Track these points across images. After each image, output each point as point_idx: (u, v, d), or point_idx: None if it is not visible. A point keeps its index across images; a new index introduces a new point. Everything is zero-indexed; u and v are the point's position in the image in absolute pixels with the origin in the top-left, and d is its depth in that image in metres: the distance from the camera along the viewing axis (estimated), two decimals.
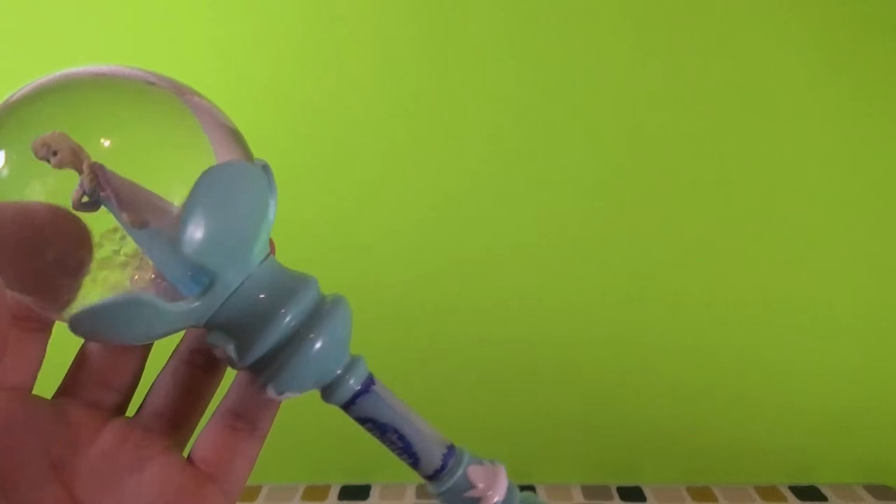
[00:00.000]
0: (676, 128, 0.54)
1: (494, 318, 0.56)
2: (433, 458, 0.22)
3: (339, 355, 0.20)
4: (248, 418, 0.21)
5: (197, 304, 0.18)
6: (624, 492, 0.60)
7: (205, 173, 0.17)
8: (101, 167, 0.17)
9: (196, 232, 0.17)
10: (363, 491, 0.61)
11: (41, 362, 0.20)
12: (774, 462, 0.58)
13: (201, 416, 0.23)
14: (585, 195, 0.56)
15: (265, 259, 0.20)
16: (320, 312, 0.19)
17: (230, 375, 0.23)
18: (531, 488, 0.61)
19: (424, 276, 0.57)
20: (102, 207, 0.17)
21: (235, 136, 0.20)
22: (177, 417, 0.22)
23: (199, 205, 0.17)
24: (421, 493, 0.61)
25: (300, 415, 0.60)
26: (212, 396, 0.23)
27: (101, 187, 0.17)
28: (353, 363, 0.21)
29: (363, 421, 0.21)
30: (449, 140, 0.55)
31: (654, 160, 0.55)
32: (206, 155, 0.18)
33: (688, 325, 0.57)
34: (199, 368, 0.23)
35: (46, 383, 0.21)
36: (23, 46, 0.54)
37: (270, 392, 0.19)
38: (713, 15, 0.52)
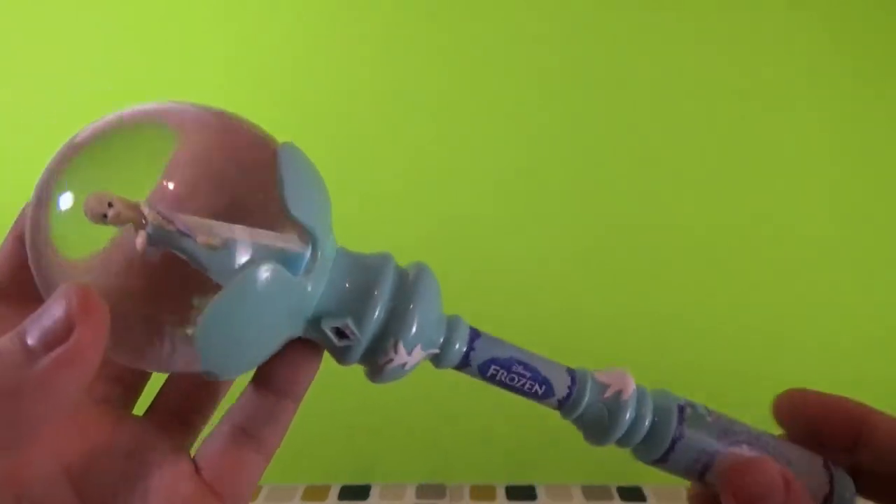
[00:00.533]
0: (677, 129, 0.54)
1: (494, 320, 0.56)
2: (562, 377, 0.22)
3: (439, 317, 0.21)
4: (255, 435, 0.21)
5: (308, 277, 0.18)
6: (624, 492, 0.60)
7: (281, 150, 0.18)
8: (159, 207, 0.17)
9: (296, 195, 0.18)
10: (363, 491, 0.61)
11: None
12: None
13: (211, 415, 0.23)
14: (591, 199, 0.56)
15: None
16: (408, 283, 0.20)
17: (240, 380, 0.23)
18: (531, 488, 0.61)
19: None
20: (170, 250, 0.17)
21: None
22: (188, 416, 0.22)
23: (290, 173, 0.18)
24: (421, 493, 0.61)
25: (300, 415, 0.60)
26: (223, 395, 0.23)
27: (168, 221, 0.16)
28: (452, 321, 0.21)
29: (487, 367, 0.21)
30: (459, 146, 0.55)
31: (656, 162, 0.55)
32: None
33: (688, 327, 0.57)
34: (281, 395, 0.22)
35: None
36: (24, 45, 0.54)
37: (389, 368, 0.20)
38: (713, 15, 0.52)
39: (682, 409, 0.22)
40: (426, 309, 0.20)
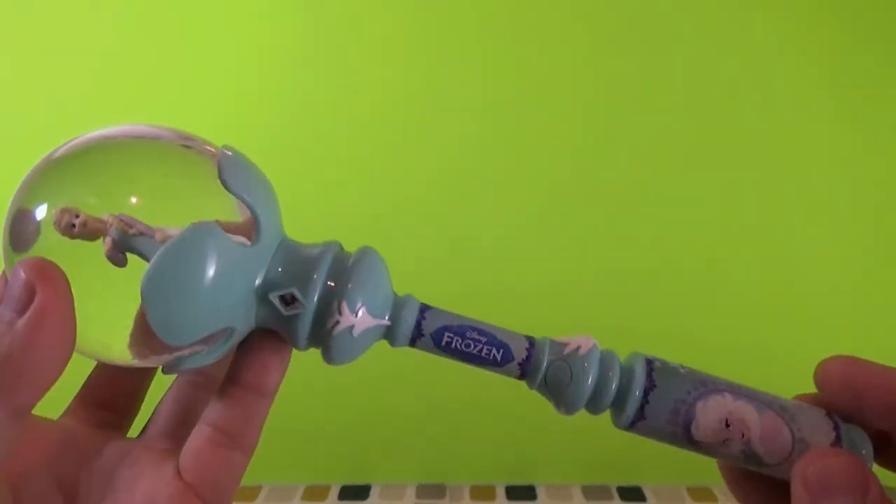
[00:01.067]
0: (674, 129, 0.54)
1: (492, 313, 0.56)
2: (519, 342, 0.22)
3: (387, 292, 0.21)
4: (232, 434, 0.21)
5: (253, 247, 0.20)
6: (624, 492, 0.60)
7: (221, 150, 0.20)
8: (123, 215, 0.19)
9: (233, 176, 0.19)
10: (363, 491, 0.61)
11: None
12: None
13: (138, 405, 0.24)
14: (586, 195, 0.56)
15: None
16: (350, 257, 0.21)
17: None
18: (531, 488, 0.61)
19: (417, 271, 0.57)
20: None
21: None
22: (177, 434, 0.23)
23: (227, 161, 0.20)
24: (421, 493, 0.61)
25: (300, 415, 0.60)
26: (147, 385, 0.25)
27: (129, 225, 0.18)
28: (402, 297, 0.22)
29: (440, 335, 0.21)
30: (441, 136, 0.55)
31: (653, 161, 0.55)
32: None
33: (688, 324, 0.57)
34: (200, 388, 0.23)
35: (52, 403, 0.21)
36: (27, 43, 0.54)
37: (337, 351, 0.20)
38: (711, 18, 0.52)
39: (650, 362, 0.22)
40: (369, 276, 0.20)
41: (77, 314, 0.18)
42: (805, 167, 0.55)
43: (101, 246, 0.19)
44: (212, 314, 0.19)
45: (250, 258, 0.20)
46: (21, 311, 0.17)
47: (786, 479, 0.20)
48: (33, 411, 0.18)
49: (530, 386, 0.22)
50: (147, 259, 0.18)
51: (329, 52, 0.54)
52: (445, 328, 0.21)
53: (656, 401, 0.21)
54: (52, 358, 0.17)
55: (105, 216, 0.18)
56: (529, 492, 0.61)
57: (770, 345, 0.57)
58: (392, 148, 0.55)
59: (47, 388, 0.17)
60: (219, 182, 0.19)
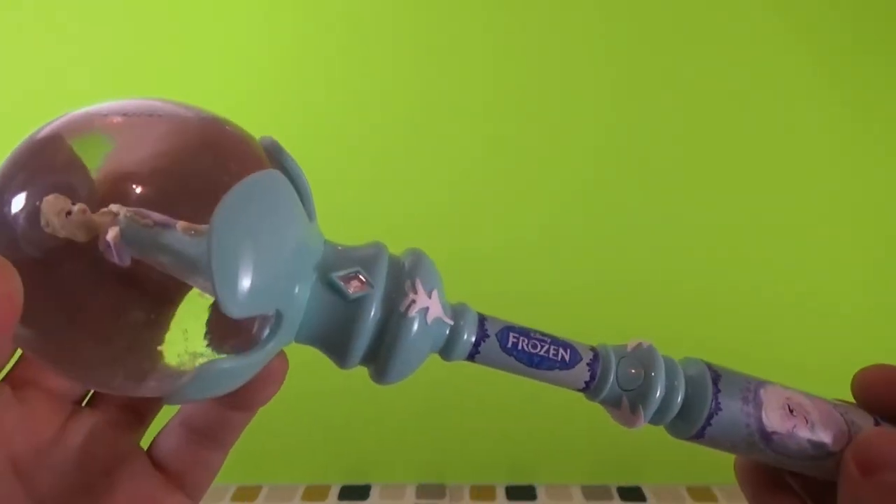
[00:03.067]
0: (674, 131, 0.54)
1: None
2: (580, 345, 0.20)
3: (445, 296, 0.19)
4: (211, 437, 0.20)
5: (316, 226, 0.18)
6: (624, 492, 0.60)
7: (269, 138, 0.18)
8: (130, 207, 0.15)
9: (283, 154, 0.17)
10: (363, 491, 0.61)
11: None
12: None
13: (160, 405, 0.22)
14: (587, 198, 0.56)
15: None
16: (404, 259, 0.19)
17: None
18: (531, 488, 0.61)
19: None
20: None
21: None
22: (139, 408, 0.21)
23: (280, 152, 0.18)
24: (421, 493, 0.61)
25: (300, 415, 0.60)
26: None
27: (143, 216, 0.15)
28: (457, 305, 0.20)
29: (506, 335, 0.19)
30: (447, 141, 0.55)
31: (654, 165, 0.55)
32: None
33: (687, 326, 0.57)
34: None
35: None
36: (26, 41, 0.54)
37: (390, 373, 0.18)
38: (711, 22, 0.52)
39: (700, 360, 0.21)
40: (433, 268, 0.18)
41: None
42: (812, 171, 0.55)
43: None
44: (279, 278, 0.16)
45: (315, 233, 0.17)
46: None
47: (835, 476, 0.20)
48: None
49: (597, 393, 0.20)
50: (169, 253, 0.15)
51: (333, 55, 0.54)
52: (509, 328, 0.19)
53: (727, 391, 0.20)
54: None
55: (112, 206, 0.15)
56: (529, 492, 0.61)
57: (776, 350, 0.57)
58: (396, 153, 0.55)
59: None
60: (244, 168, 0.17)
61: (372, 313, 0.17)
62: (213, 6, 0.53)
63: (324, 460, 0.63)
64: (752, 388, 0.20)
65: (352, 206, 0.54)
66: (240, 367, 0.16)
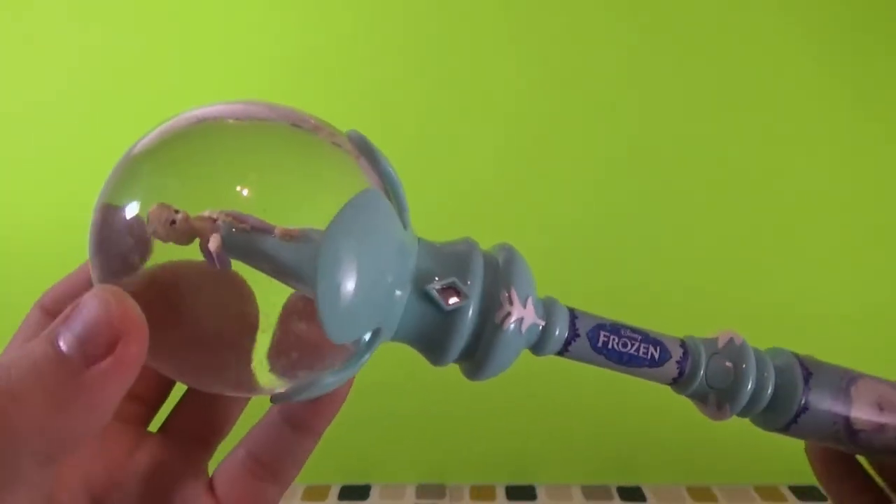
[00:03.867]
0: (677, 132, 0.54)
1: None
2: (669, 339, 0.20)
3: (537, 294, 0.19)
4: (272, 468, 0.20)
5: (409, 234, 0.18)
6: (624, 492, 0.60)
7: (361, 137, 0.18)
8: (231, 210, 0.16)
9: (379, 156, 0.17)
10: (363, 491, 0.61)
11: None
12: (774, 462, 0.58)
13: (226, 435, 0.22)
14: (591, 200, 0.56)
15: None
16: (496, 253, 0.19)
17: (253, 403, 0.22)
18: (531, 488, 0.61)
19: None
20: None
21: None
22: (204, 436, 0.21)
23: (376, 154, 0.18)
24: (421, 493, 0.61)
25: None
26: (239, 414, 0.22)
27: (240, 220, 0.15)
28: (546, 299, 0.20)
29: (596, 334, 0.19)
30: (457, 143, 0.55)
31: (657, 163, 0.55)
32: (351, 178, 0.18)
33: (688, 327, 0.57)
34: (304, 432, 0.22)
35: None
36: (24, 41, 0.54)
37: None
38: (715, 21, 0.52)
39: (794, 353, 0.21)
40: (526, 270, 0.18)
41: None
42: (815, 171, 0.55)
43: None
44: (376, 301, 0.16)
45: (409, 243, 0.17)
46: (90, 358, 0.14)
47: None
48: None
49: (686, 388, 0.20)
50: (267, 260, 0.15)
51: (331, 56, 0.54)
52: (600, 326, 0.19)
53: (816, 389, 0.20)
54: (103, 416, 0.15)
55: (210, 212, 0.15)
56: (529, 492, 0.61)
57: (769, 344, 0.57)
58: (406, 157, 0.55)
59: (73, 450, 0.15)
60: (343, 172, 0.17)
61: (467, 325, 0.18)
62: (222, 7, 0.53)
63: (324, 460, 0.62)
64: (843, 385, 0.20)
65: None
66: (337, 381, 0.17)
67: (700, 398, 0.20)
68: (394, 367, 0.58)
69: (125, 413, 0.20)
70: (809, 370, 0.20)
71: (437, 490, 0.61)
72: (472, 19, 0.53)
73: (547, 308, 0.19)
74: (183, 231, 0.15)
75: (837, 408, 0.20)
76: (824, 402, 0.20)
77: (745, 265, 0.56)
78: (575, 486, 0.61)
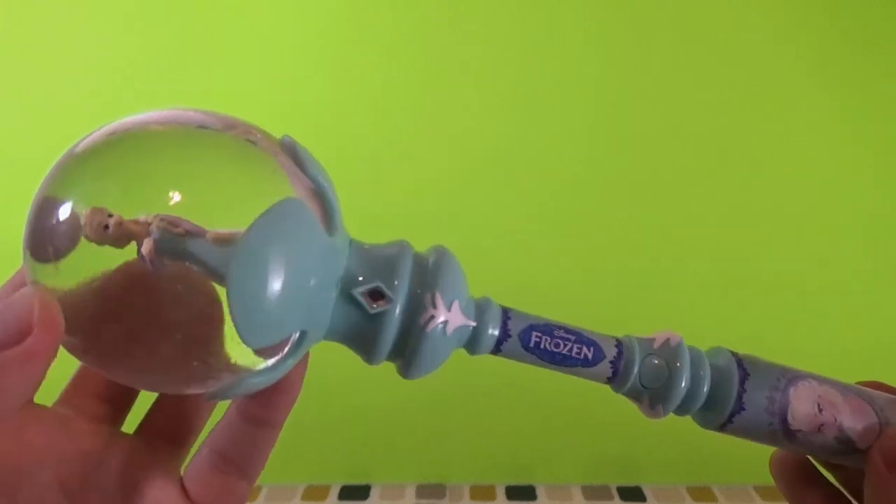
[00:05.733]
0: (675, 127, 0.54)
1: None
2: (606, 340, 0.20)
3: (468, 292, 0.19)
4: (235, 462, 0.21)
5: (331, 237, 0.18)
6: (624, 492, 0.60)
7: (292, 142, 0.18)
8: (165, 214, 0.16)
9: (310, 162, 0.18)
10: (363, 491, 0.61)
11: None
12: None
13: (198, 435, 0.23)
14: (587, 194, 0.56)
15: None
16: (428, 255, 0.19)
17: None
18: (531, 488, 0.61)
19: None
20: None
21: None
22: (176, 437, 0.22)
23: (301, 152, 0.18)
24: (421, 493, 0.61)
25: (300, 415, 0.60)
26: (209, 416, 0.23)
27: (174, 225, 0.16)
28: (480, 300, 0.20)
29: (528, 335, 0.20)
30: (448, 136, 0.55)
31: (655, 159, 0.55)
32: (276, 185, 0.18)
33: (687, 324, 0.57)
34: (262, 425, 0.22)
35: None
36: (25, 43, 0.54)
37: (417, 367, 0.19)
38: (711, 19, 0.52)
39: (733, 353, 0.21)
40: (456, 272, 0.19)
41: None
42: (809, 167, 0.55)
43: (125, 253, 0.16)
44: (297, 306, 0.17)
45: (333, 250, 0.18)
46: (2, 345, 0.16)
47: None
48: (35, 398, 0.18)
49: (620, 388, 0.20)
50: (198, 263, 0.16)
51: (331, 53, 0.54)
52: (532, 327, 0.20)
53: (753, 390, 0.20)
54: (7, 403, 0.16)
55: (144, 216, 0.16)
56: (529, 492, 0.61)
57: (769, 344, 0.57)
58: (390, 147, 0.55)
59: None
60: (270, 176, 0.17)
61: (389, 330, 0.18)
62: (222, 7, 0.53)
63: (324, 460, 0.63)
64: (781, 386, 0.20)
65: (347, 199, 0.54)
66: (264, 381, 0.17)
67: (635, 397, 0.21)
68: (394, 368, 0.58)
69: (97, 414, 0.21)
70: (747, 370, 0.20)
71: (437, 490, 0.61)
72: (464, 17, 0.53)
73: (479, 309, 0.20)
74: (117, 235, 0.16)
75: (774, 408, 0.20)
76: (760, 402, 0.20)
77: (746, 265, 0.56)
78: (575, 486, 0.61)
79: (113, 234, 0.16)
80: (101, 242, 0.16)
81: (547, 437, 0.61)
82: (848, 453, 0.20)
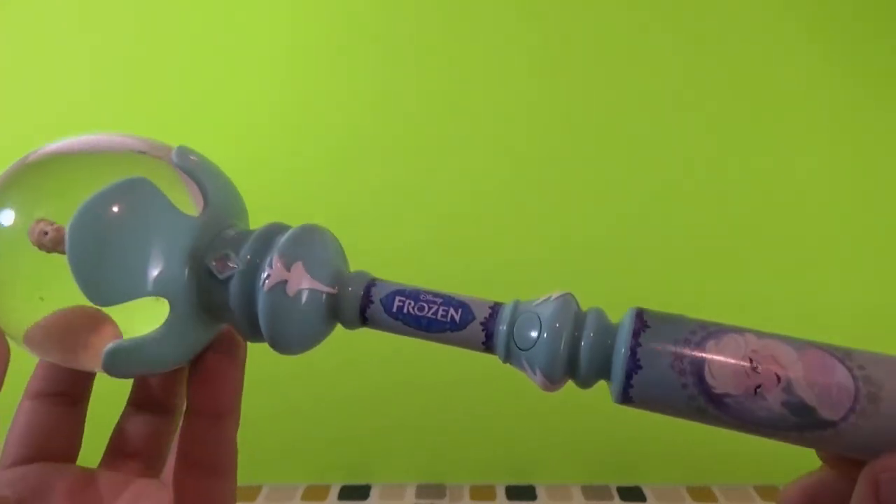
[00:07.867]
0: (675, 128, 0.54)
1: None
2: (482, 303, 0.19)
3: (331, 259, 0.20)
4: (208, 464, 0.21)
5: (195, 217, 0.19)
6: (624, 492, 0.60)
7: (178, 147, 0.21)
8: None
9: (186, 160, 0.20)
10: (363, 491, 0.61)
11: (81, 435, 0.23)
12: (774, 462, 0.58)
13: (169, 448, 0.24)
14: (588, 203, 0.56)
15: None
16: (288, 227, 0.20)
17: None
18: (531, 488, 0.61)
19: (426, 281, 0.57)
20: None
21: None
22: (150, 460, 0.23)
23: (183, 154, 0.20)
24: (421, 493, 0.61)
25: (300, 415, 0.60)
26: (174, 433, 0.24)
27: (49, 225, 0.19)
28: (352, 272, 0.20)
29: (391, 300, 0.19)
30: (455, 147, 0.55)
31: (655, 161, 0.55)
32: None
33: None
34: (164, 412, 0.24)
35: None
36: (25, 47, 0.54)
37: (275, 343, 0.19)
38: (712, 13, 0.52)
39: (641, 309, 0.17)
40: (307, 238, 0.19)
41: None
42: (811, 161, 0.55)
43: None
44: (141, 273, 0.18)
45: (189, 225, 0.19)
46: None
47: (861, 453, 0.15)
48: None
49: (500, 354, 0.18)
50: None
51: (333, 58, 0.54)
52: (397, 292, 0.19)
53: (650, 342, 0.16)
54: None
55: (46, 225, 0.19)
56: (529, 492, 0.61)
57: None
58: (396, 156, 0.55)
59: None
60: (175, 188, 0.19)
61: (239, 289, 0.19)
62: (222, 8, 0.53)
63: (324, 460, 0.63)
64: (695, 339, 0.16)
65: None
66: (143, 345, 0.19)
67: (520, 365, 0.18)
68: (394, 368, 0.58)
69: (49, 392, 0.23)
70: (647, 323, 0.17)
71: (437, 490, 0.61)
72: (475, 24, 0.53)
73: (344, 278, 0.19)
74: (56, 241, 0.18)
75: (684, 365, 0.16)
76: (663, 358, 0.16)
77: (745, 264, 0.56)
78: (575, 486, 0.61)
79: (50, 238, 0.18)
80: (49, 249, 0.18)
81: (547, 437, 0.61)
82: (816, 427, 0.15)
